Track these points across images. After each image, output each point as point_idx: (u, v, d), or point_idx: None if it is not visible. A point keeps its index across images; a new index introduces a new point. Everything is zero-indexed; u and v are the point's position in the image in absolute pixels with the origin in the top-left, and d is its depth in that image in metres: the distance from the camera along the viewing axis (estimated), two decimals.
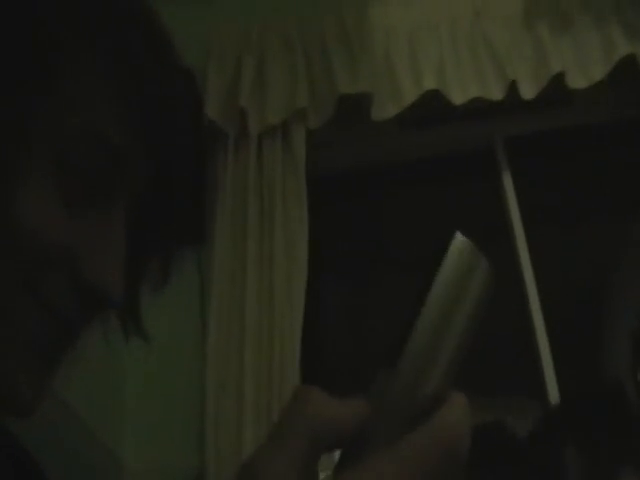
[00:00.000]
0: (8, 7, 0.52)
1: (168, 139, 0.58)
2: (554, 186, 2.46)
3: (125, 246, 0.56)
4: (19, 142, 0.51)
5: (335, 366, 2.25)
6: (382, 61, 2.21)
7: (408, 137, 2.41)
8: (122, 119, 0.55)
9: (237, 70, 2.21)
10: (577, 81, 2.17)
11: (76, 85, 0.53)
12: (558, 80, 2.15)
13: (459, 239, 0.39)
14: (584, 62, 2.17)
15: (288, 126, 2.17)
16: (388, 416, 0.37)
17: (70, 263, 0.52)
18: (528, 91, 2.16)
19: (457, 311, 0.37)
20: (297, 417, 0.38)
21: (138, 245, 0.59)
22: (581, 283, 2.34)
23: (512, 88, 2.16)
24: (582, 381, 2.15)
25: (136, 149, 0.56)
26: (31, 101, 0.52)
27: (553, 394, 2.08)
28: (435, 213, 2.47)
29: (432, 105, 2.20)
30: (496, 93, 2.16)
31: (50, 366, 0.54)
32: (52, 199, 0.52)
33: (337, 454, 0.39)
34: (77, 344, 0.57)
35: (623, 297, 2.24)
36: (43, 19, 0.53)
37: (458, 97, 2.16)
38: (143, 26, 0.57)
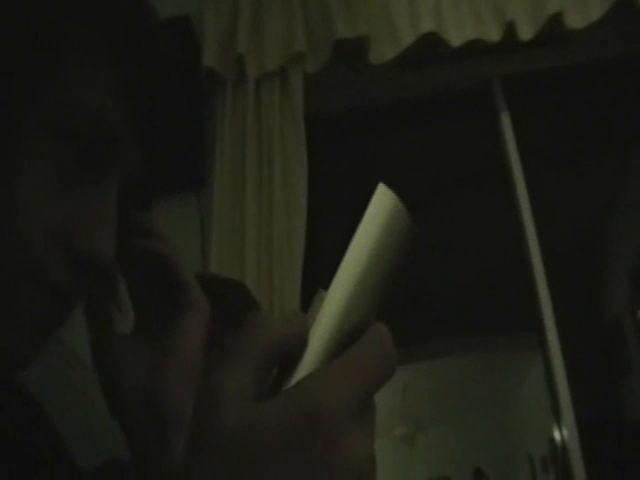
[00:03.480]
0: None
1: (156, 103, 0.61)
2: (552, 125, 2.46)
3: (116, 213, 0.58)
4: (20, 120, 0.53)
5: None
6: (379, 4, 2.19)
7: (405, 77, 2.40)
8: (113, 94, 0.57)
9: (234, 16, 2.20)
10: (575, 21, 2.15)
11: (74, 66, 0.55)
12: (556, 20, 2.14)
13: (381, 190, 0.43)
14: (582, 1, 2.15)
15: (286, 70, 2.15)
16: (319, 337, 0.41)
17: (65, 236, 0.55)
18: (526, 32, 2.14)
19: (379, 257, 0.43)
20: (246, 338, 0.40)
21: (125, 207, 0.61)
22: (579, 223, 2.37)
23: (509, 29, 2.15)
24: (580, 319, 2.19)
25: (128, 119, 0.58)
26: (33, 81, 0.54)
27: (551, 332, 2.13)
28: (433, 153, 2.48)
29: (429, 46, 2.19)
30: (493, 34, 2.15)
31: (47, 332, 0.57)
32: (49, 176, 0.54)
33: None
34: (73, 311, 0.59)
35: (621, 237, 2.26)
36: (48, 6, 0.55)
37: (455, 39, 2.14)
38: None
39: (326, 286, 0.43)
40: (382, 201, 0.44)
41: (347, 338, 0.41)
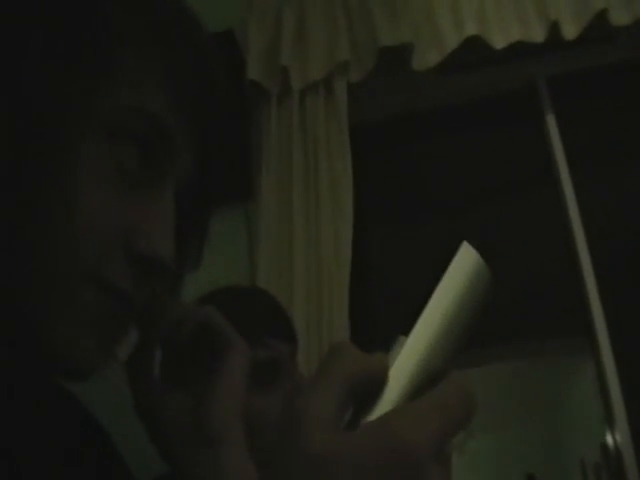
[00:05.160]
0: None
1: (208, 113, 0.61)
2: (599, 125, 2.42)
3: (174, 217, 0.59)
4: (80, 123, 0.53)
5: (384, 315, 2.27)
6: (421, 9, 2.18)
7: (449, 82, 2.39)
8: (169, 101, 0.57)
9: (277, 27, 2.21)
10: (620, 17, 2.11)
11: (132, 70, 0.56)
12: (601, 17, 2.11)
13: (466, 249, 0.45)
14: None
15: (330, 81, 2.16)
16: (399, 379, 0.42)
17: (125, 238, 0.55)
18: (570, 31, 2.11)
19: (460, 312, 0.44)
20: (333, 367, 0.40)
21: (183, 214, 0.61)
22: (629, 225, 2.32)
23: (554, 29, 2.12)
24: (630, 322, 2.15)
25: (183, 127, 0.59)
26: (92, 84, 0.54)
27: (602, 336, 2.10)
28: (479, 158, 2.46)
29: (473, 50, 2.17)
30: (538, 35, 2.12)
31: (110, 340, 0.57)
32: (109, 178, 0.54)
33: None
34: (135, 313, 0.59)
35: None
36: (106, 13, 0.56)
37: (499, 41, 2.12)
38: (174, 10, 0.60)
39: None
40: (465, 258, 0.45)
41: (425, 384, 0.42)
